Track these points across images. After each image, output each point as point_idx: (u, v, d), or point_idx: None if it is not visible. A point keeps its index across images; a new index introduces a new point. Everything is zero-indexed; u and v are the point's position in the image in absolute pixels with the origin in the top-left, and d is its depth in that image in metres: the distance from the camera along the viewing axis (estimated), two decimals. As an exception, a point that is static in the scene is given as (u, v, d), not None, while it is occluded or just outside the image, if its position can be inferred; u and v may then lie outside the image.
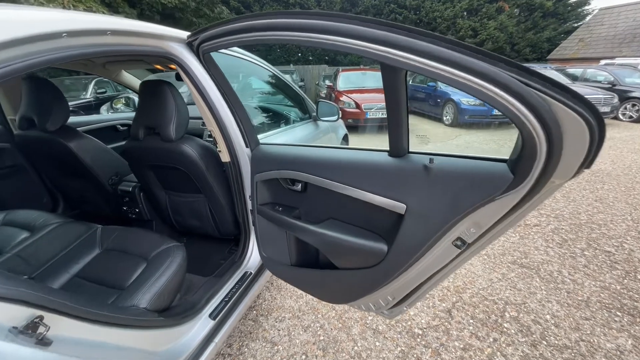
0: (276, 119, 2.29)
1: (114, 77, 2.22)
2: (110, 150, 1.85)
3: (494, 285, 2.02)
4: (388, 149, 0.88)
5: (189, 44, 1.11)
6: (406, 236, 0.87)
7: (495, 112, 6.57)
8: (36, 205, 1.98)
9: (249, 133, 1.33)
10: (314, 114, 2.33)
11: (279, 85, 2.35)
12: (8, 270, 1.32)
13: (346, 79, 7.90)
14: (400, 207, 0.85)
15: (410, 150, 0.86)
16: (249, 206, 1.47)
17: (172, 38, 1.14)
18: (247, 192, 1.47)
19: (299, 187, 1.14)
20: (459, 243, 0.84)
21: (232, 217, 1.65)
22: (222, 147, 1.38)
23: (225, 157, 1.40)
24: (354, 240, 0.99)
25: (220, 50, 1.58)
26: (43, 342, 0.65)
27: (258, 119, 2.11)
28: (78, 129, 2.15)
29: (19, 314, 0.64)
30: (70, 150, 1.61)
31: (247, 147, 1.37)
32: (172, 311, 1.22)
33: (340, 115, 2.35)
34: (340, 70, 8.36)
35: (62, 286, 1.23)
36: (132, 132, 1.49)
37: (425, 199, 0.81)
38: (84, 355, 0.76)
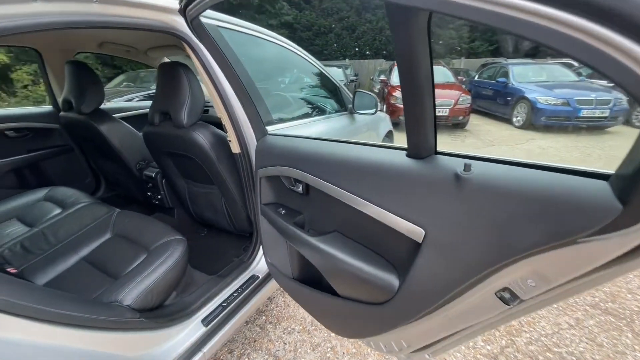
0: (305, 110, 2.11)
1: (156, 64, 2.27)
2: (140, 136, 1.86)
3: (563, 332, 1.56)
4: (406, 146, 0.62)
5: (181, 13, 0.97)
6: (423, 273, 0.61)
7: (584, 113, 5.44)
8: (80, 184, 2.12)
9: (254, 121, 1.16)
10: (350, 106, 2.09)
11: (313, 74, 2.16)
12: (30, 246, 1.38)
13: (401, 73, 7.37)
14: (416, 232, 0.58)
15: (438, 150, 0.59)
16: None
17: (176, 11, 1.02)
18: None
19: (300, 188, 0.94)
20: (506, 296, 0.55)
21: (245, 213, 1.52)
22: (232, 136, 1.24)
23: (235, 147, 1.27)
24: (358, 266, 0.76)
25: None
26: None
27: (286, 108, 1.95)
28: (122, 114, 2.27)
29: None
30: (100, 132, 1.64)
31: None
32: (161, 311, 1.12)
33: (379, 108, 2.07)
34: (396, 64, 7.83)
35: (68, 268, 1.23)
36: (149, 117, 1.44)
37: (454, 225, 0.53)
38: (25, 356, 0.67)
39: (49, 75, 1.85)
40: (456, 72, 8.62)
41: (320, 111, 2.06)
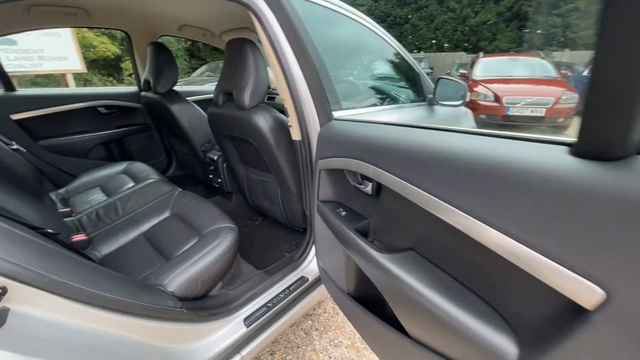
0: (376, 98, 1.87)
1: (230, 48, 2.28)
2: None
3: None
4: (574, 140, 0.36)
5: None
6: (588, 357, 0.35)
7: None
8: (155, 161, 2.26)
9: (320, 103, 0.99)
10: (430, 96, 1.78)
11: (392, 59, 1.90)
12: (103, 215, 1.46)
13: (486, 66, 6.45)
14: (583, 290, 0.33)
15: None
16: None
17: None
18: None
19: (369, 187, 0.73)
20: None
21: (301, 207, 1.39)
22: (293, 121, 1.10)
23: (296, 134, 1.13)
24: (445, 308, 0.53)
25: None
26: None
27: (355, 95, 1.75)
28: (194, 97, 2.35)
29: None
30: (172, 112, 1.68)
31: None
32: (203, 302, 1.05)
33: (467, 102, 1.72)
34: (481, 56, 6.90)
35: (129, 242, 1.25)
36: (214, 98, 1.40)
37: None
38: (57, 336, 0.63)
39: (135, 57, 1.98)
40: (557, 66, 7.24)
41: (393, 100, 1.80)
